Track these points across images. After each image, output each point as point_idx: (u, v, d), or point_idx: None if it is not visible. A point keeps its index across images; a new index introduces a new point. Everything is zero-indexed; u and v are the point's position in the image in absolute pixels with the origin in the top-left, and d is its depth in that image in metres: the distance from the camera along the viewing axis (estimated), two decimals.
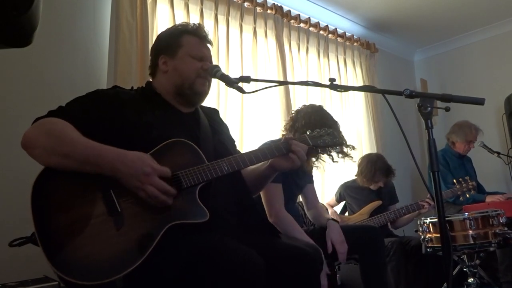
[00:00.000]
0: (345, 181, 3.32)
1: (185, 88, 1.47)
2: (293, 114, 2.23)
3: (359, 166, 3.15)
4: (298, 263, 1.32)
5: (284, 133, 2.23)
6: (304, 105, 2.23)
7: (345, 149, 2.03)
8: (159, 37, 1.60)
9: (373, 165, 3.05)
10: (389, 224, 3.09)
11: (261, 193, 1.99)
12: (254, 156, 1.40)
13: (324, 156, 2.10)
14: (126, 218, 1.16)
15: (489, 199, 3.31)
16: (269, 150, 1.42)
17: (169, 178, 1.21)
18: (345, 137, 1.99)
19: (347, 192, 3.22)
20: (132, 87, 1.55)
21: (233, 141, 1.67)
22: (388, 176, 3.08)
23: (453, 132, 3.68)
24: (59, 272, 1.05)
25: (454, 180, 3.01)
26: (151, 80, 1.57)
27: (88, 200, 1.16)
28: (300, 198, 2.44)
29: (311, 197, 2.34)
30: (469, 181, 2.97)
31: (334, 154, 2.05)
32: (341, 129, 2.09)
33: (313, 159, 2.13)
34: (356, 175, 3.17)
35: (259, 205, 1.96)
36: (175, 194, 1.20)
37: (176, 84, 1.47)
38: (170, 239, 1.16)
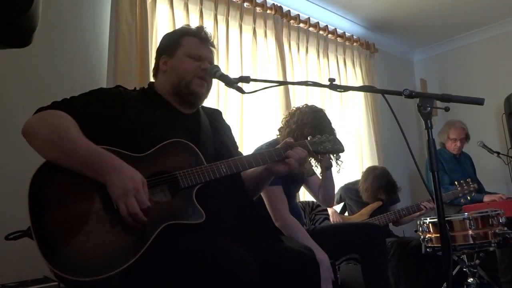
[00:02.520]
0: (346, 182, 3.30)
1: (182, 87, 1.47)
2: (292, 110, 2.21)
3: (363, 181, 3.12)
4: (294, 265, 1.30)
5: (281, 126, 2.19)
6: (306, 105, 2.21)
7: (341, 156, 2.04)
8: (162, 38, 1.62)
9: (377, 183, 3.02)
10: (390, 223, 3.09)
11: (264, 198, 1.99)
12: (253, 159, 1.40)
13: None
14: (122, 216, 1.15)
15: (487, 198, 3.32)
16: (268, 154, 1.42)
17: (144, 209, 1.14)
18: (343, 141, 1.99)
19: (347, 194, 3.21)
20: (135, 88, 1.55)
21: (234, 142, 1.67)
22: (392, 195, 3.06)
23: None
24: (54, 268, 1.04)
25: (456, 183, 3.01)
26: (153, 80, 1.58)
27: (85, 197, 1.16)
28: (300, 197, 2.44)
29: (317, 186, 2.34)
30: (470, 183, 2.97)
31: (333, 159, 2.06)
32: (340, 132, 2.08)
33: (313, 160, 2.11)
34: (360, 189, 3.13)
35: (261, 207, 1.94)
36: (145, 222, 1.13)
37: (173, 83, 1.48)
38: (165, 239, 1.16)
